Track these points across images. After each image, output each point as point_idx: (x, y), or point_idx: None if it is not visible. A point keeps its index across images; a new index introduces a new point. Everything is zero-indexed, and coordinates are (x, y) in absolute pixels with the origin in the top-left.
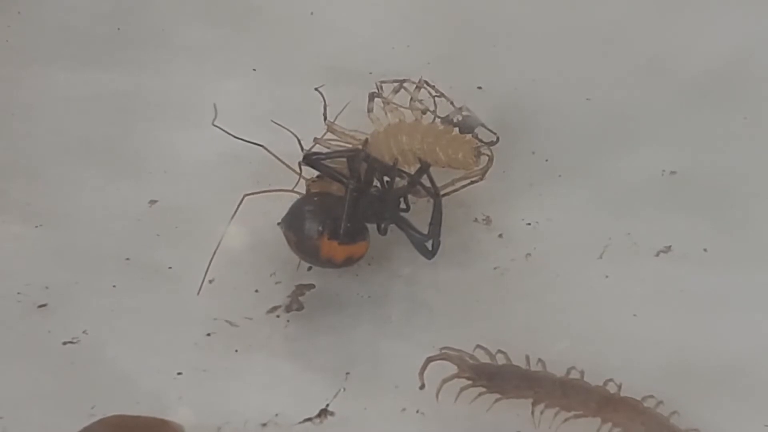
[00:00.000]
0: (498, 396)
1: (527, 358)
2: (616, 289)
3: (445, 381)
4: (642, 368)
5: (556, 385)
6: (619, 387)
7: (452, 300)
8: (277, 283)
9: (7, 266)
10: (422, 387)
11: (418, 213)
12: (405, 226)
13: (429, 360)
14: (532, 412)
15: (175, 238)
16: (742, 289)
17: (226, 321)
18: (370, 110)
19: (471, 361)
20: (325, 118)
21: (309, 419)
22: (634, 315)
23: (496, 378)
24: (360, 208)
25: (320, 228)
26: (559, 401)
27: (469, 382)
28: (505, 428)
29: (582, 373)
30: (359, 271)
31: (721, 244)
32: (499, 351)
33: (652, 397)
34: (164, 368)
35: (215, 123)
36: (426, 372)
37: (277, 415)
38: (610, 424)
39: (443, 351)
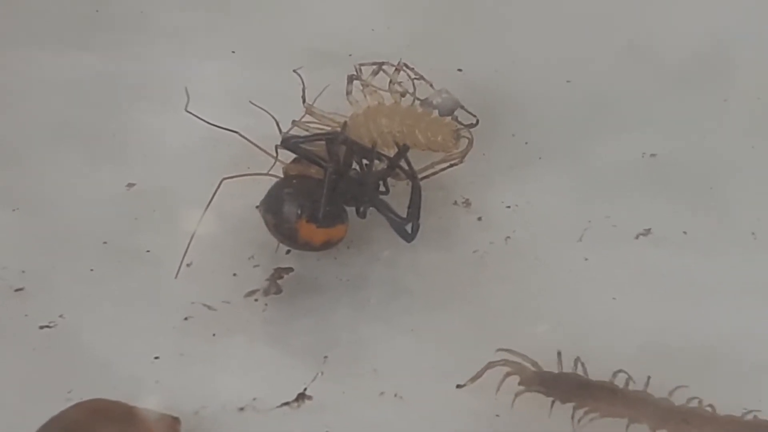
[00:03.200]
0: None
1: (577, 361)
2: (596, 272)
3: (518, 395)
4: (621, 351)
5: (616, 395)
6: (689, 401)
7: (432, 283)
8: (255, 266)
9: None
10: (460, 387)
11: (398, 196)
12: (384, 209)
13: (489, 365)
14: (575, 418)
15: (153, 222)
16: (722, 271)
17: (204, 305)
18: (349, 93)
19: (532, 368)
20: (304, 101)
21: (287, 403)
22: (614, 298)
23: (556, 386)
24: (339, 191)
25: (299, 211)
26: (619, 411)
27: (527, 387)
28: (482, 413)
29: (648, 380)
30: (338, 254)
31: (701, 227)
32: (558, 355)
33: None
34: (142, 352)
35: (188, 109)
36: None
37: (254, 399)
38: None
39: (502, 359)
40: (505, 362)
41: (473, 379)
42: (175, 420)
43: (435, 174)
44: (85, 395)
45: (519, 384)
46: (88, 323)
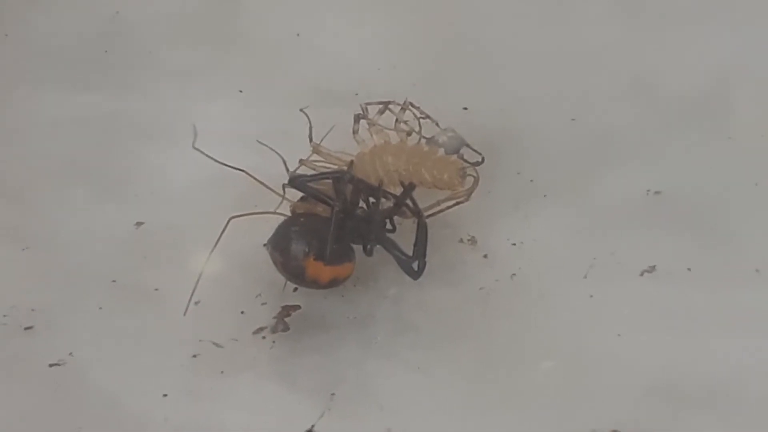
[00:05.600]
0: None
1: None
2: (601, 309)
3: None
4: (626, 388)
5: None
6: None
7: (438, 320)
8: (263, 304)
9: None
10: None
11: (404, 234)
12: (391, 247)
13: None
14: None
15: (161, 260)
16: (727, 308)
17: (212, 342)
18: (355, 132)
19: None
20: (311, 140)
21: None
22: (619, 335)
23: None
24: (346, 230)
25: (306, 249)
26: None
27: None
28: None
29: None
30: (345, 291)
31: (706, 264)
32: None
33: None
34: (150, 390)
35: (195, 146)
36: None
37: None
38: None
39: None
40: None
41: None
42: None
43: (441, 212)
44: None
45: None
46: (97, 361)
